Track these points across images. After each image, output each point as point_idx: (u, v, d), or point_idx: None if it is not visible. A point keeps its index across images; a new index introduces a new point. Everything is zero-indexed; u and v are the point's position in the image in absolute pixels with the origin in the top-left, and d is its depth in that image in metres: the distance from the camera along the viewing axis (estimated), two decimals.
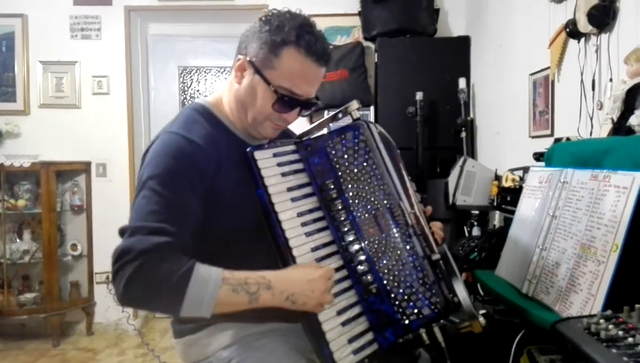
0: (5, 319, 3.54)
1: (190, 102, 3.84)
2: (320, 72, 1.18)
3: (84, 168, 3.72)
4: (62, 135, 3.71)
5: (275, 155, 1.16)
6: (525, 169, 1.98)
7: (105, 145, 3.73)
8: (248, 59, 1.17)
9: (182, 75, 4.12)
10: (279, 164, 1.15)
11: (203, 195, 1.10)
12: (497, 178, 2.41)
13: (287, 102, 1.16)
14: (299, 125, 1.33)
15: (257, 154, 1.14)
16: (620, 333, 0.84)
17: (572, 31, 1.89)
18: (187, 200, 1.07)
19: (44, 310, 3.47)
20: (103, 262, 3.71)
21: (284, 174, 1.15)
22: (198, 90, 4.13)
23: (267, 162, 1.14)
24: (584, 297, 1.08)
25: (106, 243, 3.62)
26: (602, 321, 0.89)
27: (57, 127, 3.71)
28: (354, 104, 1.21)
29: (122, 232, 1.03)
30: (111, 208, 3.71)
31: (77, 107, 3.74)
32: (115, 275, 0.98)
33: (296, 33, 1.12)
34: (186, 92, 4.13)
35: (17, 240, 3.63)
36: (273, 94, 1.15)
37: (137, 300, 1.02)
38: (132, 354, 3.35)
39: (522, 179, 2.01)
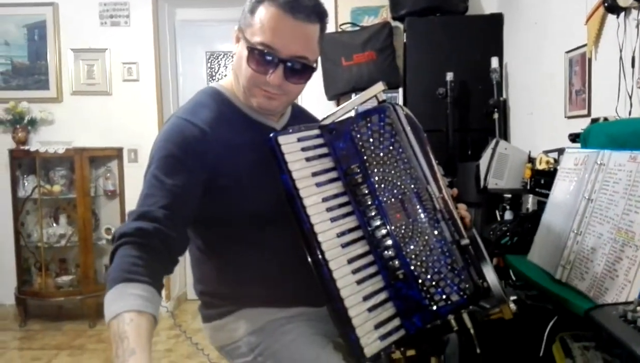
0: (44, 301, 3.67)
1: None
2: (302, 27, 1.11)
3: (116, 154, 3.79)
4: (94, 121, 3.79)
5: (299, 139, 1.15)
6: (560, 151, 1.91)
7: (136, 131, 3.79)
8: (236, 27, 1.17)
9: (210, 60, 4.14)
10: (303, 149, 1.14)
11: (206, 178, 1.10)
12: (531, 160, 2.34)
13: (261, 56, 1.11)
14: (325, 109, 1.31)
15: (281, 139, 1.13)
16: None
17: (610, 5, 1.80)
18: (183, 184, 1.07)
19: (80, 292, 3.58)
20: None
21: (308, 159, 1.13)
22: (225, 75, 4.13)
23: (291, 146, 1.13)
24: (620, 283, 1.04)
25: None
26: (639, 308, 0.86)
27: (89, 114, 3.79)
28: (380, 86, 1.18)
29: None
30: None
31: (108, 93, 3.80)
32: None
33: None
34: (214, 77, 4.14)
35: (54, 224, 3.75)
36: (247, 50, 1.12)
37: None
38: (165, 335, 3.43)
39: (556, 161, 1.94)
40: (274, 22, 1.09)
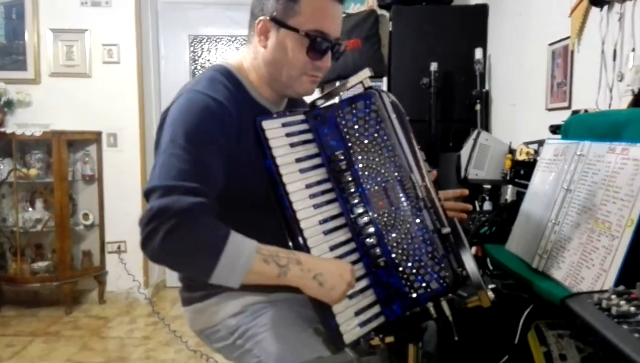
0: (19, 287, 3.61)
1: (200, 71, 3.82)
2: (339, 9, 1.18)
3: (95, 138, 3.73)
4: (72, 104, 3.71)
5: (284, 125, 1.14)
6: (541, 143, 1.93)
7: (115, 115, 3.73)
8: (268, 17, 1.14)
9: (193, 44, 4.08)
10: (288, 134, 1.13)
11: (227, 156, 1.09)
12: (511, 151, 2.37)
13: (320, 44, 1.14)
14: (310, 96, 1.30)
15: (265, 124, 1.12)
16: (632, 309, 0.82)
17: None
18: (215, 162, 1.06)
19: (57, 278, 3.53)
20: (114, 232, 3.76)
21: (292, 145, 1.13)
22: (208, 60, 4.09)
23: (275, 132, 1.12)
24: (596, 272, 1.06)
25: (117, 213, 3.73)
26: (613, 297, 0.87)
27: (67, 96, 3.71)
28: (366, 72, 1.17)
29: (150, 191, 1.00)
30: (122, 179, 3.74)
31: (87, 76, 3.72)
32: (151, 233, 0.95)
33: None
34: (197, 62, 4.09)
35: (30, 209, 3.67)
36: (304, 39, 1.13)
37: (173, 255, 0.98)
38: (143, 322, 3.41)
39: (536, 153, 1.96)
40: (326, 7, 1.14)
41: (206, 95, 1.10)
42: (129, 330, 3.29)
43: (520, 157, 2.01)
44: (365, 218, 1.09)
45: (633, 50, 1.63)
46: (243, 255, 0.99)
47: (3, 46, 3.70)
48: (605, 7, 1.82)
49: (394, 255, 1.06)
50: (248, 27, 1.22)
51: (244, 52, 1.25)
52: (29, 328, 3.30)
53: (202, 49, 4.09)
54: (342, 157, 1.12)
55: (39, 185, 3.64)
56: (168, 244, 0.95)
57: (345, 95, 1.24)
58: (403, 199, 1.09)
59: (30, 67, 3.70)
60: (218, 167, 1.06)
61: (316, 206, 1.10)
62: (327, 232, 1.09)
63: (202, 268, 0.99)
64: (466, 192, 1.35)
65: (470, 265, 1.08)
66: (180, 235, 0.95)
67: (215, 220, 1.00)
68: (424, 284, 1.05)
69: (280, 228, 1.09)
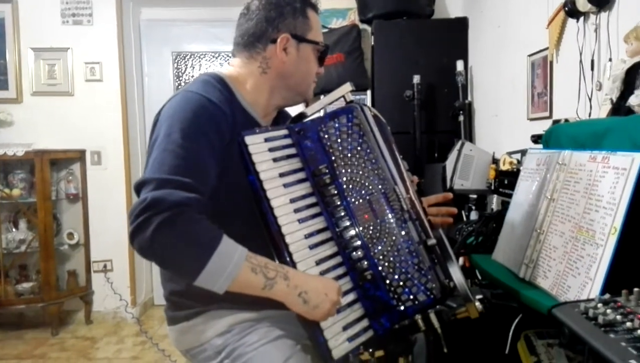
0: (3, 309, 3.53)
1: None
2: None
3: (79, 156, 3.69)
4: (55, 123, 3.68)
5: (266, 140, 1.14)
6: (523, 152, 1.95)
7: (99, 133, 3.70)
8: (289, 34, 1.23)
9: (177, 60, 4.07)
10: (271, 149, 1.13)
11: (220, 157, 1.09)
12: (495, 161, 2.39)
13: (325, 53, 1.30)
14: (293, 110, 1.32)
15: (248, 139, 1.11)
16: (619, 317, 0.83)
17: (570, 10, 1.86)
18: (208, 160, 1.06)
19: (42, 299, 3.47)
20: (100, 251, 3.71)
21: (275, 159, 1.12)
22: (192, 76, 4.08)
23: (258, 147, 1.12)
24: (582, 281, 1.07)
25: (102, 232, 3.68)
26: (600, 305, 0.88)
27: (50, 115, 3.67)
28: (347, 86, 1.18)
29: (143, 183, 0.99)
30: (107, 197, 3.70)
31: (70, 94, 3.70)
32: (142, 224, 0.94)
33: None
34: (181, 78, 4.08)
35: (13, 229, 3.61)
36: (316, 50, 1.28)
37: (164, 249, 0.96)
38: (131, 342, 3.36)
39: (519, 162, 1.98)
40: (319, 21, 1.30)
41: (201, 96, 1.12)
42: (116, 350, 3.23)
43: (504, 166, 2.03)
44: (351, 232, 1.09)
45: (610, 60, 1.66)
46: (233, 259, 0.98)
47: None
48: (582, 19, 1.86)
49: (380, 268, 1.06)
50: (243, 43, 1.26)
51: (235, 65, 1.27)
52: (15, 351, 3.23)
53: (186, 65, 4.09)
54: (326, 171, 1.12)
55: (22, 205, 3.59)
56: (160, 237, 0.94)
57: (328, 109, 1.25)
58: (388, 212, 1.09)
59: (12, 86, 3.67)
60: (211, 166, 1.07)
61: (301, 220, 1.09)
62: (312, 247, 1.08)
63: (190, 267, 0.97)
64: (450, 195, 1.37)
65: (457, 276, 1.08)
66: (174, 228, 0.94)
67: (207, 218, 0.99)
68: (411, 296, 1.05)
69: (249, 241, 1.08)
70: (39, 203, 3.45)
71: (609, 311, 0.85)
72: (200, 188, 1.01)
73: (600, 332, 0.80)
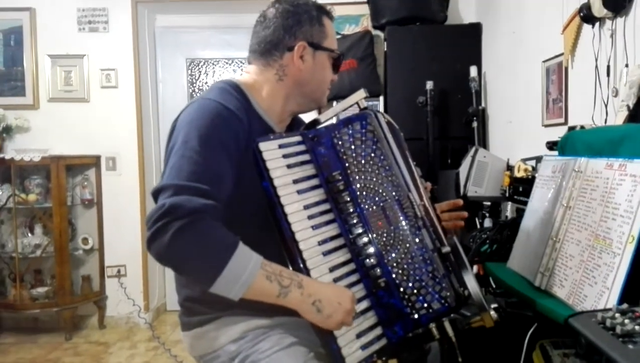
0: (19, 313, 3.58)
1: (198, 94, 3.85)
2: None
3: (94, 162, 3.73)
4: (71, 129, 3.72)
5: (280, 146, 1.14)
6: (538, 159, 1.93)
7: (114, 139, 3.73)
8: (306, 42, 1.24)
9: (190, 67, 4.11)
10: (285, 156, 1.13)
11: (236, 165, 1.10)
12: (509, 168, 2.37)
13: (339, 60, 1.32)
14: (307, 117, 1.33)
15: (262, 146, 1.12)
16: (637, 328, 0.81)
17: (586, 16, 1.84)
18: (225, 168, 1.07)
19: (56, 304, 3.50)
20: (114, 256, 3.74)
21: (289, 166, 1.12)
22: (206, 83, 4.11)
23: (272, 153, 1.12)
24: (599, 290, 1.05)
25: (117, 237, 3.71)
26: (617, 315, 0.86)
27: (66, 121, 3.72)
28: (361, 93, 1.18)
29: (160, 189, 1.01)
30: (121, 202, 3.73)
31: (86, 100, 3.74)
32: (160, 229, 0.95)
33: (315, 4, 1.28)
34: (194, 84, 4.11)
35: (29, 234, 3.66)
36: (332, 57, 1.29)
37: (181, 255, 0.97)
38: (144, 347, 3.37)
39: (534, 169, 1.96)
40: (334, 29, 1.32)
41: (219, 103, 1.13)
42: (129, 355, 3.25)
43: (519, 173, 2.01)
44: (365, 239, 1.08)
45: (626, 65, 1.64)
46: (249, 266, 0.98)
47: (2, 73, 3.73)
48: (597, 24, 1.84)
49: (394, 276, 1.06)
50: (259, 51, 1.26)
51: (251, 72, 1.28)
52: (29, 355, 3.26)
53: (200, 72, 4.12)
54: (340, 178, 1.11)
55: (38, 211, 3.63)
56: (178, 243, 0.94)
57: (342, 115, 1.25)
58: (402, 219, 1.09)
59: (29, 92, 3.72)
60: (227, 173, 1.08)
61: (315, 227, 1.09)
62: (326, 253, 1.08)
63: (207, 273, 0.98)
64: (460, 202, 1.36)
65: (472, 284, 1.07)
66: (192, 234, 0.95)
67: (223, 225, 1.00)
68: (425, 304, 1.04)
69: (265, 248, 1.08)
70: (54, 208, 3.49)
71: (627, 321, 0.83)
72: (217, 195, 1.02)
73: (619, 342, 0.79)
